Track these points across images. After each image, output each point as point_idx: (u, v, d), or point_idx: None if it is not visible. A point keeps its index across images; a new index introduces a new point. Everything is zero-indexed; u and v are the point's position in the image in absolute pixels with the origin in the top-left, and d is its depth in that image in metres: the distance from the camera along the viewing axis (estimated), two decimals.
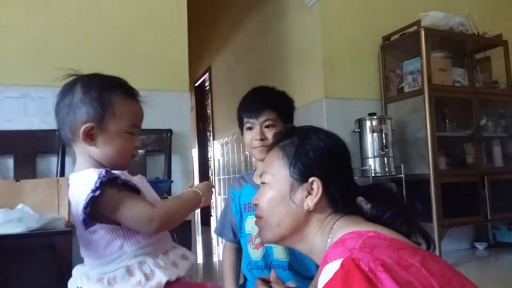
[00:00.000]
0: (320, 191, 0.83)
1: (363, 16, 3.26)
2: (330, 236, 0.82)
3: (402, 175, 2.89)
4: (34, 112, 2.27)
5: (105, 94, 0.92)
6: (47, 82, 2.05)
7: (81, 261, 0.98)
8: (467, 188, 3.01)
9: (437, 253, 2.71)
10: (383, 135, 2.94)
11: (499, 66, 3.41)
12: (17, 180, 2.02)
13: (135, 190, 0.91)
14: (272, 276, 1.03)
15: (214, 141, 5.65)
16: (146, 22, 2.57)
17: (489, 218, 3.01)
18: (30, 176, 2.14)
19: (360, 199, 0.89)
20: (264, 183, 0.91)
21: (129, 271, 0.89)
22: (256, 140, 1.25)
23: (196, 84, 6.28)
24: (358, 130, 3.00)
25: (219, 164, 5.45)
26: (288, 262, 1.21)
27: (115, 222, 0.89)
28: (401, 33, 3.18)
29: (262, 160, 1.05)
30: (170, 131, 2.50)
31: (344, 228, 0.79)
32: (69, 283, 0.97)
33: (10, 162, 2.19)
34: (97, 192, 0.84)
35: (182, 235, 1.95)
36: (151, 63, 2.53)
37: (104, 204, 0.86)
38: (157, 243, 0.95)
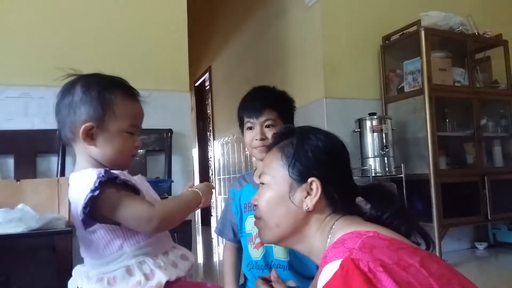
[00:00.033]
0: (319, 191, 0.83)
1: (363, 16, 3.26)
2: (329, 236, 0.82)
3: (402, 175, 2.89)
4: (34, 112, 2.27)
5: (105, 94, 0.92)
6: (47, 82, 2.04)
7: (81, 261, 0.98)
8: (467, 188, 3.01)
9: (437, 253, 2.71)
10: (383, 135, 2.94)
11: (499, 66, 3.41)
12: (18, 180, 2.02)
13: (134, 190, 0.91)
14: (273, 275, 1.03)
15: (214, 141, 5.65)
16: (146, 22, 2.57)
17: (489, 218, 3.01)
18: (31, 176, 2.14)
19: (359, 199, 0.89)
20: (263, 184, 0.91)
21: (129, 271, 0.89)
22: (256, 140, 1.25)
23: (196, 84, 6.28)
24: (358, 130, 3.00)
25: (219, 164, 5.45)
26: (288, 261, 1.22)
27: (114, 222, 0.89)
28: (401, 33, 3.18)
29: (263, 160, 1.05)
30: (170, 131, 2.50)
31: (344, 228, 0.79)
32: (69, 283, 0.97)
33: (10, 162, 2.19)
34: (96, 192, 0.84)
35: (182, 235, 1.95)
36: (151, 63, 2.53)
37: (103, 204, 0.86)
38: (156, 243, 0.95)
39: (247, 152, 4.34)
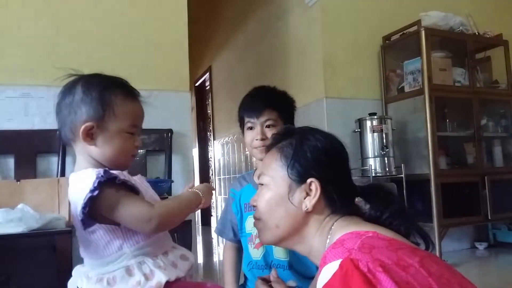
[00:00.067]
0: (319, 192, 0.83)
1: (364, 16, 3.26)
2: (329, 237, 0.82)
3: (403, 175, 2.89)
4: (34, 112, 2.27)
5: (105, 94, 0.92)
6: (47, 82, 2.06)
7: (81, 261, 0.98)
8: (468, 188, 3.01)
9: (437, 253, 2.71)
10: (384, 135, 2.94)
11: (499, 66, 3.42)
12: (18, 180, 2.02)
13: (134, 190, 0.91)
14: (272, 275, 1.03)
15: (215, 141, 5.65)
16: (146, 22, 2.57)
17: (489, 218, 3.01)
18: (31, 176, 2.14)
19: (358, 199, 0.89)
20: (262, 185, 0.90)
21: (128, 272, 0.89)
22: (257, 140, 1.25)
23: (197, 84, 6.28)
24: (359, 130, 3.00)
25: (219, 164, 5.45)
26: (288, 261, 1.22)
27: (114, 222, 0.89)
28: (401, 33, 3.18)
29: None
30: (170, 131, 2.50)
31: (343, 229, 0.79)
32: (68, 283, 0.97)
33: (10, 162, 2.19)
34: (96, 192, 0.84)
35: (183, 235, 1.95)
36: (151, 63, 2.53)
37: (103, 204, 0.86)
38: (156, 243, 0.95)
39: (247, 152, 4.34)
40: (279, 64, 3.76)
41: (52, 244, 1.67)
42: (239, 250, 1.37)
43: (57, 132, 0.97)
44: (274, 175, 0.88)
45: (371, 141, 2.96)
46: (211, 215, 5.85)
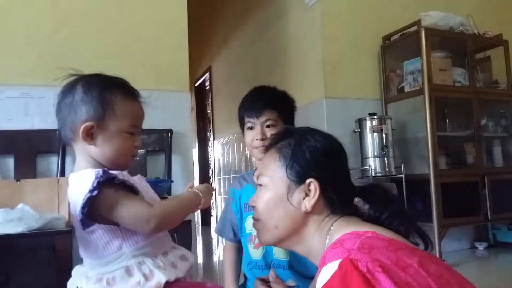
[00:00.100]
0: (318, 192, 0.83)
1: (364, 15, 3.26)
2: (328, 237, 0.82)
3: (402, 175, 2.89)
4: (34, 112, 2.27)
5: (105, 94, 0.92)
6: (47, 82, 2.06)
7: (81, 261, 0.98)
8: (467, 188, 3.01)
9: (437, 253, 2.71)
10: (383, 135, 2.94)
11: (499, 66, 3.41)
12: (18, 180, 2.02)
13: (133, 190, 0.91)
14: (271, 275, 1.03)
15: (214, 141, 5.65)
16: (146, 22, 2.57)
17: (489, 218, 3.01)
18: (31, 176, 2.14)
19: (358, 199, 0.89)
20: (261, 185, 0.90)
21: (128, 272, 0.89)
22: (257, 140, 1.25)
23: (196, 84, 6.28)
24: (358, 130, 3.00)
25: (219, 164, 5.45)
26: (288, 261, 1.22)
27: (113, 222, 0.89)
28: (401, 33, 3.18)
29: None
30: (170, 131, 2.50)
31: (342, 229, 0.79)
32: (68, 284, 0.97)
33: (10, 162, 2.19)
34: (95, 192, 0.84)
35: (182, 235, 1.95)
36: (151, 63, 2.53)
37: (102, 204, 0.86)
38: (156, 243, 0.95)
39: (247, 152, 4.34)
40: (279, 64, 3.76)
41: (52, 244, 1.67)
42: (239, 250, 1.37)
43: (57, 132, 0.97)
44: (273, 175, 0.88)
45: (371, 141, 2.96)
46: (211, 215, 5.85)
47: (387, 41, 3.28)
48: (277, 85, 1.37)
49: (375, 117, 2.97)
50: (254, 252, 1.27)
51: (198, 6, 4.13)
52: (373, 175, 2.88)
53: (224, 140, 5.17)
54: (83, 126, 0.90)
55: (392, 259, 0.65)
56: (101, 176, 0.85)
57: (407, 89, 3.13)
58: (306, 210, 0.83)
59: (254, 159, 1.44)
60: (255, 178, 1.30)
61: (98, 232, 0.89)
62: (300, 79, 3.39)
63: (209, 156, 6.04)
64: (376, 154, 2.93)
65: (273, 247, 1.23)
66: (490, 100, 3.30)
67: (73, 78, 0.95)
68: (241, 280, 1.36)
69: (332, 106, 3.08)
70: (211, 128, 5.80)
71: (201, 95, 6.28)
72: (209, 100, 5.83)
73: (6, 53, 2.27)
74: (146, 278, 0.89)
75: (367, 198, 0.89)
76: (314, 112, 3.14)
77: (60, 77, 0.95)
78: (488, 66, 3.47)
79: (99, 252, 0.90)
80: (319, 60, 3.13)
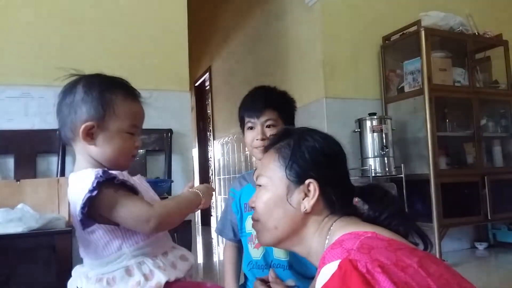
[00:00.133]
0: (317, 192, 0.83)
1: (363, 16, 3.26)
2: (327, 237, 0.82)
3: (402, 175, 2.89)
4: (34, 112, 2.27)
5: (106, 94, 0.92)
6: (47, 81, 2.06)
7: (81, 261, 0.98)
8: (467, 188, 3.01)
9: (437, 253, 2.71)
10: (383, 135, 2.94)
11: (499, 66, 3.41)
12: (18, 180, 2.02)
13: (133, 190, 0.91)
14: (270, 275, 1.03)
15: (214, 141, 5.65)
16: (146, 22, 2.57)
17: (489, 218, 3.01)
18: (31, 176, 2.14)
19: (357, 200, 0.89)
20: (260, 186, 0.90)
21: (128, 272, 0.89)
22: (257, 140, 1.25)
23: (196, 84, 6.28)
24: (358, 130, 3.01)
25: (219, 164, 5.45)
26: (288, 261, 1.22)
27: (113, 222, 0.89)
28: (401, 33, 3.18)
29: None
30: (170, 131, 2.50)
31: (342, 229, 0.79)
32: (68, 284, 0.97)
33: (10, 161, 2.19)
34: (94, 192, 0.84)
35: (182, 235, 1.95)
36: (151, 63, 2.53)
37: (101, 204, 0.86)
38: (156, 243, 0.95)
39: (247, 152, 4.34)
40: (279, 64, 3.76)
41: (52, 244, 1.67)
42: (239, 249, 1.37)
43: (57, 131, 0.97)
44: (272, 176, 0.88)
45: (371, 141, 2.96)
46: (211, 215, 5.85)
47: (387, 41, 3.28)
48: (277, 85, 1.37)
49: (375, 117, 2.97)
50: (255, 252, 1.27)
51: (198, 6, 4.13)
52: (373, 175, 2.88)
53: (224, 140, 5.17)
54: (83, 126, 0.90)
55: (392, 259, 0.65)
56: (101, 176, 0.85)
57: (407, 89, 3.13)
58: (306, 210, 0.83)
59: (254, 159, 1.44)
60: (255, 178, 1.31)
61: (98, 232, 0.89)
62: (300, 79, 3.39)
63: (209, 156, 6.04)
64: (376, 154, 2.94)
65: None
66: (490, 100, 3.30)
67: (73, 78, 0.95)
68: (241, 280, 1.36)
69: (332, 106, 3.08)
70: (211, 128, 5.80)
71: (201, 95, 6.28)
72: (209, 100, 5.83)
73: (6, 53, 2.27)
74: (146, 278, 0.89)
75: (366, 198, 0.89)
76: (314, 112, 3.14)
77: (60, 77, 0.95)
78: (488, 66, 3.47)
79: (99, 252, 0.91)
80: (319, 60, 3.13)
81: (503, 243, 3.34)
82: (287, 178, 0.85)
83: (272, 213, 0.87)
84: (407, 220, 0.85)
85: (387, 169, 2.94)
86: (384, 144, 2.93)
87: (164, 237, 1.00)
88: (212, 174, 5.96)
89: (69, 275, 0.98)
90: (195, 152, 5.95)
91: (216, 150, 5.58)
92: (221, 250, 3.86)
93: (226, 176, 5.14)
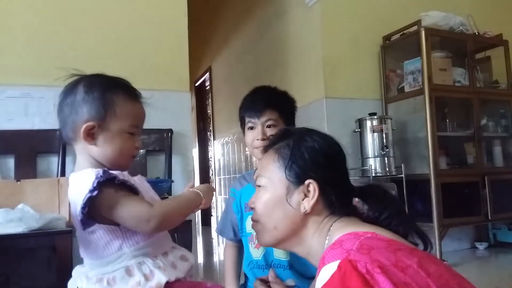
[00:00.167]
0: (317, 193, 0.83)
1: (364, 15, 3.26)
2: (327, 238, 0.82)
3: (403, 175, 2.89)
4: (34, 112, 2.27)
5: (107, 94, 0.92)
6: (47, 82, 2.05)
7: (81, 261, 0.99)
8: (468, 188, 3.01)
9: (437, 253, 2.71)
10: (384, 135, 2.94)
11: (499, 66, 3.42)
12: (18, 180, 2.02)
13: (133, 190, 0.91)
14: (270, 275, 1.03)
15: (215, 141, 5.65)
16: (147, 22, 2.57)
17: (489, 218, 3.01)
18: (31, 176, 2.14)
19: (357, 200, 0.89)
20: (259, 186, 0.90)
21: (128, 272, 0.89)
22: (257, 140, 1.25)
23: (197, 84, 6.28)
24: (359, 130, 3.01)
25: (219, 164, 5.45)
26: (288, 261, 1.21)
27: (113, 222, 0.89)
28: (401, 33, 3.18)
29: None
30: (170, 131, 2.50)
31: (342, 230, 0.79)
32: (68, 284, 0.97)
33: (10, 162, 2.20)
34: (95, 193, 0.84)
35: (183, 235, 1.95)
36: (151, 63, 2.53)
37: (102, 204, 0.86)
38: (156, 243, 0.95)
39: (247, 152, 4.34)
40: (279, 64, 3.76)
41: (52, 244, 1.67)
42: (240, 249, 1.37)
43: (58, 131, 0.97)
44: (272, 176, 0.87)
45: (371, 141, 2.96)
46: (211, 215, 5.85)
47: (387, 41, 3.28)
48: (277, 85, 1.37)
49: (375, 117, 2.97)
50: (255, 252, 1.27)
51: (198, 6, 4.13)
52: (373, 175, 2.88)
53: (224, 140, 5.17)
54: (84, 126, 0.90)
55: (391, 259, 0.65)
56: (101, 176, 0.85)
57: (407, 89, 3.13)
58: (306, 211, 0.83)
59: (254, 159, 1.45)
60: (254, 179, 1.31)
61: (99, 232, 0.89)
62: (300, 79, 3.39)
63: (209, 156, 6.04)
64: (376, 154, 2.94)
65: None
66: (490, 100, 3.30)
67: (74, 78, 0.95)
68: (242, 280, 1.36)
69: (332, 106, 3.08)
70: (211, 128, 5.80)
71: (201, 95, 6.28)
72: (209, 100, 5.83)
73: (6, 53, 2.27)
74: (147, 278, 0.89)
75: (366, 198, 0.89)
76: (314, 112, 3.14)
77: (60, 77, 0.95)
78: (488, 66, 3.47)
79: (100, 252, 0.91)
80: (319, 60, 3.13)
81: (503, 243, 3.34)
82: (287, 178, 0.85)
83: (271, 213, 0.87)
84: (407, 220, 0.85)
85: (387, 169, 2.94)
86: (384, 144, 2.93)
87: (164, 237, 1.00)
88: (212, 174, 5.96)
89: (70, 275, 0.98)
90: (195, 152, 5.95)
91: (216, 150, 5.58)
92: (221, 250, 3.86)
93: (226, 176, 5.14)
